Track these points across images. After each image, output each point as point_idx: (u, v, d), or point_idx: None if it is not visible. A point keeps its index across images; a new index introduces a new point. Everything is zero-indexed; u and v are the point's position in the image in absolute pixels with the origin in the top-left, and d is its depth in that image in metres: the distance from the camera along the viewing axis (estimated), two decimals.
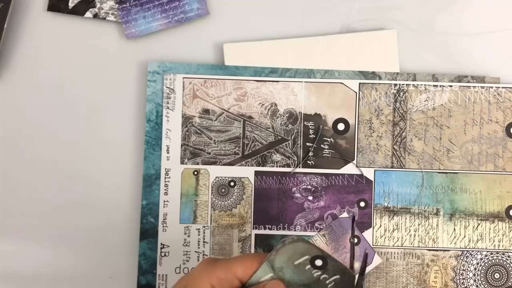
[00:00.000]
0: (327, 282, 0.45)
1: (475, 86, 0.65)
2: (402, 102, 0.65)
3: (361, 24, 0.66)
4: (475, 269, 0.65)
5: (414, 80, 0.65)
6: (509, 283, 0.65)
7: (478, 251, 0.65)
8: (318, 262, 0.45)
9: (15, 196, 0.65)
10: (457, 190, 0.65)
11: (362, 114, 0.65)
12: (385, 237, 0.65)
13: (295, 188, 0.65)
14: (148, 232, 0.64)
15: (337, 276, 0.45)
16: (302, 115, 0.65)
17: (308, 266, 0.45)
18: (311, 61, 0.65)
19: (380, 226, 0.65)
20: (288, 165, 0.65)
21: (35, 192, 0.65)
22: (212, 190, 0.65)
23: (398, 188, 0.65)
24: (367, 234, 0.65)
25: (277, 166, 0.65)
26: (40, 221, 0.65)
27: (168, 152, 0.64)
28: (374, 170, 0.65)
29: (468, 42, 0.67)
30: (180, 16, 0.65)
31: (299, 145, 0.65)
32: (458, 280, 0.65)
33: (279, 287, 0.46)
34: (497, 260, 0.65)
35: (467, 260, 0.65)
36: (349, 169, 0.65)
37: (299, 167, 0.65)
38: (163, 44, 0.66)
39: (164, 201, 0.64)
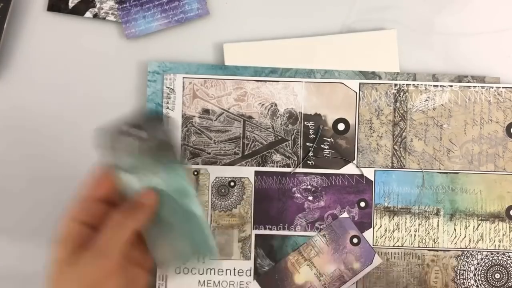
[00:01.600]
0: (155, 136, 0.49)
1: (475, 86, 0.65)
2: (402, 102, 0.65)
3: (361, 24, 0.66)
4: (475, 269, 0.65)
5: (414, 80, 0.65)
6: (510, 283, 0.65)
7: (478, 251, 0.65)
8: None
9: (15, 196, 0.65)
10: (458, 190, 0.65)
11: (362, 114, 0.65)
12: (385, 237, 0.65)
13: (295, 188, 0.65)
14: None
15: (149, 124, 0.49)
16: (302, 115, 0.65)
17: (130, 139, 0.49)
18: (311, 61, 0.65)
19: (381, 226, 0.65)
20: (288, 165, 0.65)
21: (35, 192, 0.65)
22: (212, 190, 0.65)
23: (398, 188, 0.65)
24: (368, 234, 0.65)
25: (277, 166, 0.65)
26: (40, 221, 0.65)
27: None
28: (374, 170, 0.65)
29: (468, 42, 0.67)
30: (180, 16, 0.65)
31: (299, 145, 0.65)
32: (458, 280, 0.65)
33: (150, 195, 0.50)
34: (498, 260, 0.65)
35: (468, 260, 0.65)
36: (349, 169, 0.65)
37: (299, 167, 0.65)
38: (163, 44, 0.66)
39: None
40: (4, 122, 0.65)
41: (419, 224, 0.65)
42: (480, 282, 0.65)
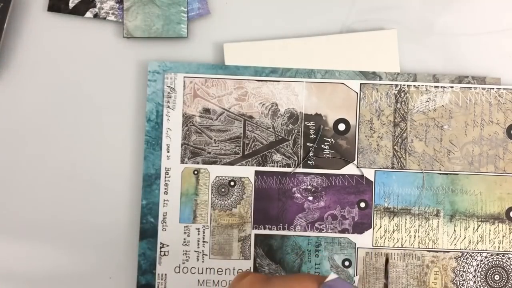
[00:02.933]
0: None
1: (476, 88, 0.65)
2: (403, 103, 0.65)
3: (361, 24, 0.66)
4: (475, 270, 0.65)
5: (415, 80, 0.65)
6: (509, 285, 0.65)
7: (478, 253, 0.65)
8: None
9: (15, 196, 0.65)
10: (458, 191, 0.65)
11: (363, 115, 0.65)
12: (385, 238, 0.65)
13: (295, 188, 0.65)
14: (148, 231, 0.64)
15: None
16: (303, 115, 0.65)
17: None
18: (311, 61, 0.65)
19: (380, 227, 0.65)
20: (288, 165, 0.65)
21: (35, 192, 0.65)
22: (212, 189, 0.65)
23: (398, 189, 0.65)
24: (367, 235, 0.65)
25: (277, 166, 0.65)
26: (40, 221, 0.65)
27: (168, 151, 0.64)
28: (375, 170, 0.65)
29: (468, 42, 0.66)
30: None
31: (299, 145, 0.65)
32: (458, 282, 0.65)
33: None
34: (497, 262, 0.65)
35: (467, 262, 0.65)
36: (350, 169, 0.65)
37: (300, 167, 0.65)
38: (164, 43, 0.66)
39: (164, 200, 0.64)
40: (4, 121, 0.65)
41: (419, 225, 0.65)
42: (480, 283, 0.65)
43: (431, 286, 0.64)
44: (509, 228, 0.65)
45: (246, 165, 0.65)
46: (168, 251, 0.64)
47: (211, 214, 0.65)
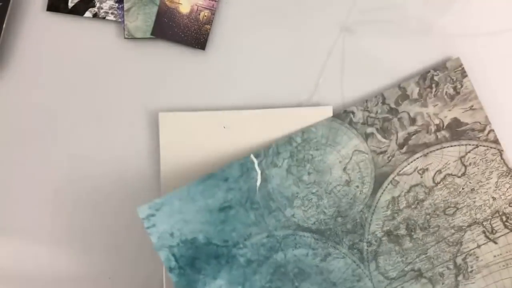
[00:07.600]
0: None
1: None
2: None
3: (360, 24, 0.66)
4: None
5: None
6: None
7: None
8: None
9: (16, 197, 0.65)
10: None
11: None
12: None
13: None
14: None
15: None
16: None
17: None
18: (247, 135, 0.64)
19: None
20: None
21: (34, 192, 0.65)
22: None
23: None
24: None
25: None
26: (40, 221, 0.65)
27: None
28: None
29: (468, 42, 0.67)
30: None
31: None
32: None
33: None
34: None
35: None
36: None
37: None
38: (165, 43, 0.66)
39: None
40: (3, 122, 0.65)
41: None
42: None
43: None
44: None
45: None
46: None
47: None
